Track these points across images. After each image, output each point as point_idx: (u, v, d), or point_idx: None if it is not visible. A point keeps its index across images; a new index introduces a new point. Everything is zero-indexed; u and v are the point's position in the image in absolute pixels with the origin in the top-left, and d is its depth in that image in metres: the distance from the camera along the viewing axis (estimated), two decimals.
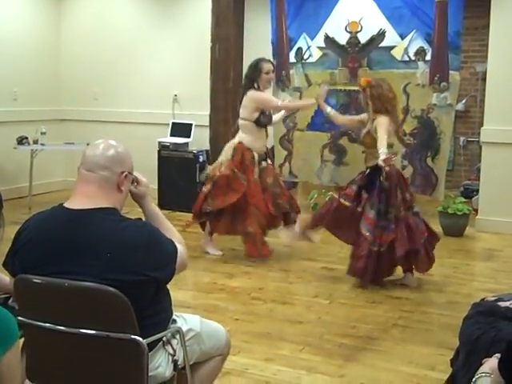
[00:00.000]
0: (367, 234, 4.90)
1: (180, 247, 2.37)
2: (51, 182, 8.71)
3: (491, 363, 1.83)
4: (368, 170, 5.14)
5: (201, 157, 7.84)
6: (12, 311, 2.20)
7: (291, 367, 3.59)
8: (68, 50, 8.98)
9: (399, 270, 5.20)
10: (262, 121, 5.73)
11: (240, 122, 5.77)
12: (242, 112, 5.73)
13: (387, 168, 4.74)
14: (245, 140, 5.71)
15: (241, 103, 5.76)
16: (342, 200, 5.11)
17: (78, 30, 8.91)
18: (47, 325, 2.19)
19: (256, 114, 5.65)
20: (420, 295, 4.91)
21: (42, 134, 7.78)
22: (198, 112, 8.02)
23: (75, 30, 8.93)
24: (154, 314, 2.26)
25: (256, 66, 5.75)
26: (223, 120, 7.97)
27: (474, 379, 1.80)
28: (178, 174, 7.78)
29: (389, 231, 4.87)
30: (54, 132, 8.30)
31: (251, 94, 5.67)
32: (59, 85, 9.01)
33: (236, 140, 5.78)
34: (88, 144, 2.40)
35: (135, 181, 2.42)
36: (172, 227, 2.53)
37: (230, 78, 8.04)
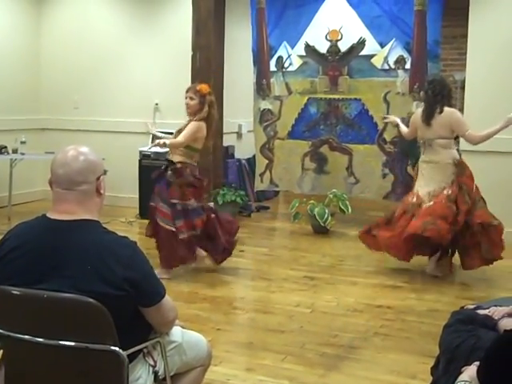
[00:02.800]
0: None
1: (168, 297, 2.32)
2: (31, 192, 8.64)
3: (470, 371, 1.84)
4: None
5: None
6: None
7: (273, 377, 3.58)
8: (48, 57, 8.93)
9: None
10: None
11: (438, 141, 5.47)
12: (439, 130, 5.43)
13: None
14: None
15: (429, 120, 5.45)
16: None
17: (58, 36, 8.86)
18: (26, 336, 2.16)
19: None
20: (401, 303, 4.92)
21: (21, 143, 7.72)
22: (180, 121, 7.97)
23: (55, 37, 8.88)
24: (136, 325, 2.24)
25: None
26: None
27: None
28: None
29: None
30: (34, 141, 8.25)
31: (449, 113, 5.46)
32: (39, 93, 8.96)
33: (447, 159, 5.47)
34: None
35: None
36: None
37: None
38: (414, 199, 5.51)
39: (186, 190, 5.29)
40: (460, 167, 5.48)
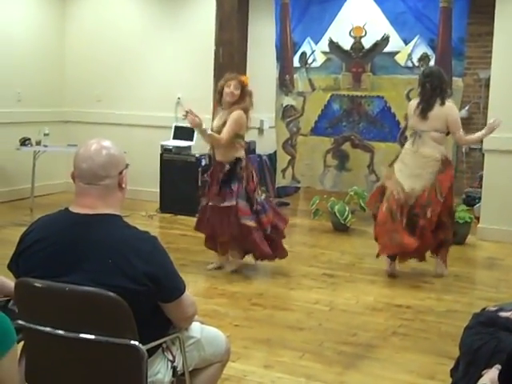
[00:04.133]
0: None
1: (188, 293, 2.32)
2: (53, 184, 8.71)
3: (491, 374, 1.83)
4: None
5: (203, 160, 7.83)
6: (12, 314, 2.20)
7: (290, 374, 3.58)
8: (72, 51, 8.99)
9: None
10: None
11: (431, 134, 5.35)
12: (435, 124, 5.34)
13: None
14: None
15: (426, 113, 5.35)
16: None
17: (82, 32, 8.91)
18: (47, 329, 2.18)
19: None
20: (420, 303, 4.89)
21: (44, 135, 7.77)
22: (201, 115, 7.98)
23: (79, 33, 8.93)
24: (155, 320, 2.25)
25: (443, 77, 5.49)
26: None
27: None
28: (180, 178, 7.77)
29: None
30: (57, 133, 8.30)
31: (449, 108, 5.41)
32: (63, 86, 9.02)
33: (437, 155, 5.36)
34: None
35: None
36: None
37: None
38: (401, 195, 5.38)
39: (251, 184, 5.37)
40: (444, 165, 5.39)
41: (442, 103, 5.34)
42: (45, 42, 8.76)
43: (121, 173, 2.28)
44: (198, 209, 5.65)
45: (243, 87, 5.32)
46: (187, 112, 5.25)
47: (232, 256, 5.59)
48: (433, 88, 5.34)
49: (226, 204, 5.26)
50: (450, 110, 5.39)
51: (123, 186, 2.30)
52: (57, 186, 8.71)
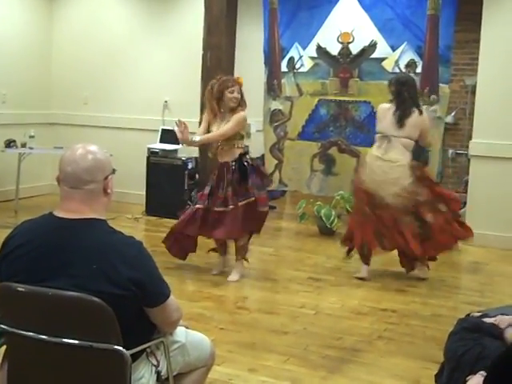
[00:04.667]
0: None
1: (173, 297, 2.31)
2: (38, 186, 8.66)
3: (476, 381, 1.83)
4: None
5: (190, 164, 7.82)
6: None
7: (275, 378, 3.58)
8: (59, 53, 8.95)
9: None
10: None
11: (403, 140, 5.40)
12: (410, 131, 5.40)
13: None
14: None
15: (403, 120, 5.37)
16: None
17: (69, 32, 8.88)
18: (30, 333, 2.16)
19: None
20: (405, 307, 4.91)
21: (30, 137, 7.73)
22: (188, 119, 7.97)
23: (67, 33, 8.89)
24: (139, 324, 2.24)
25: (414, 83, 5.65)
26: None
27: None
28: (167, 181, 7.76)
29: None
30: (42, 136, 8.26)
31: (427, 117, 5.58)
32: (49, 88, 8.98)
33: (404, 161, 5.40)
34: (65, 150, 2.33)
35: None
36: None
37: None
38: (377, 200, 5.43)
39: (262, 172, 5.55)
40: (413, 170, 5.44)
41: (421, 113, 5.44)
42: (31, 42, 8.71)
43: (106, 178, 2.27)
44: (186, 211, 5.56)
45: (241, 88, 5.40)
46: (180, 123, 5.25)
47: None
48: (410, 96, 5.43)
49: (245, 201, 5.28)
50: (426, 120, 5.55)
51: (108, 191, 2.29)
52: (42, 188, 8.67)
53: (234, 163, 5.32)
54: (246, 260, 5.53)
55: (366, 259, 5.57)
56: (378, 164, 5.44)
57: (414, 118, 5.39)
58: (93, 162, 2.24)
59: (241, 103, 5.34)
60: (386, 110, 5.51)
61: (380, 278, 5.65)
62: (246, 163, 5.34)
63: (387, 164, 5.40)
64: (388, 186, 5.37)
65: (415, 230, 5.39)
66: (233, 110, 5.28)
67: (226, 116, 5.31)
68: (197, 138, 5.31)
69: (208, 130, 5.40)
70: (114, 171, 2.32)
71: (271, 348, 4.01)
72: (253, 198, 5.27)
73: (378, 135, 5.57)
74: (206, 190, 5.42)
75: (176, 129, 5.32)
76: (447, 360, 2.58)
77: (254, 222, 5.39)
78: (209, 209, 5.34)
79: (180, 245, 5.52)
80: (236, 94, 5.29)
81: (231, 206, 5.26)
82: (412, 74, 7.13)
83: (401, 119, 5.39)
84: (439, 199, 5.48)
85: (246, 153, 5.47)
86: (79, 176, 2.21)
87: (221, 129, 5.26)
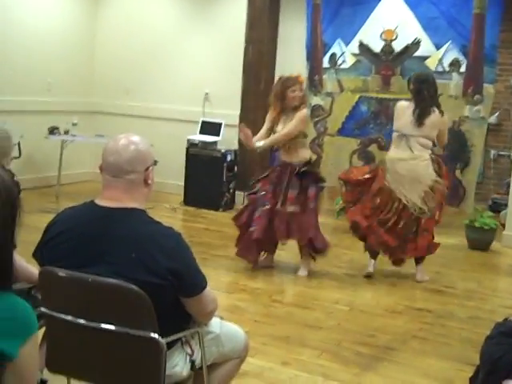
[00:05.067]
0: None
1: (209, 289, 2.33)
2: (79, 173, 8.80)
3: None
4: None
5: (229, 156, 7.86)
6: (34, 301, 2.24)
7: (308, 372, 3.59)
8: (103, 43, 9.06)
9: None
10: None
11: (421, 139, 5.26)
12: (428, 130, 5.26)
13: None
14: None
15: (423, 119, 5.24)
16: None
17: (114, 24, 8.98)
18: (68, 317, 2.21)
19: None
20: (441, 308, 4.87)
21: (73, 124, 7.85)
22: (228, 111, 8.05)
23: (111, 25, 9.00)
24: (176, 313, 2.26)
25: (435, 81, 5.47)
26: (252, 121, 7.94)
27: None
28: (205, 173, 7.80)
29: None
30: (85, 124, 8.37)
31: (445, 120, 5.44)
32: (93, 77, 9.10)
33: (425, 155, 5.29)
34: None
35: None
36: None
37: (261, 79, 8.06)
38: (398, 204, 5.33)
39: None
40: (438, 164, 5.34)
41: (441, 113, 5.29)
42: (76, 32, 8.84)
43: (147, 169, 2.30)
44: (256, 215, 5.36)
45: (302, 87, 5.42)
46: (242, 129, 5.26)
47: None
48: (430, 95, 5.29)
49: (312, 205, 5.31)
50: (446, 121, 5.43)
51: (149, 182, 2.31)
52: (83, 175, 8.80)
53: (298, 167, 5.27)
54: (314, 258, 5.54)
55: (373, 254, 5.53)
56: (401, 165, 5.29)
57: (433, 117, 5.24)
58: (134, 152, 2.27)
59: (302, 101, 5.32)
60: (404, 108, 5.37)
61: (414, 277, 5.59)
62: (314, 172, 5.38)
63: (410, 162, 5.27)
64: (416, 185, 5.25)
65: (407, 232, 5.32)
66: (295, 109, 5.24)
67: (289, 115, 5.27)
68: (260, 143, 5.27)
69: (271, 130, 5.36)
70: (155, 162, 2.35)
71: (305, 342, 4.02)
72: (312, 206, 5.30)
73: (395, 134, 5.43)
74: (269, 189, 5.34)
75: (241, 135, 5.31)
76: (483, 363, 2.55)
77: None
78: (275, 209, 5.29)
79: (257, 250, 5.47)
80: (298, 93, 5.25)
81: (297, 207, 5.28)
82: (455, 73, 7.08)
83: (420, 118, 5.24)
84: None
85: (310, 160, 5.41)
86: (121, 166, 2.24)
87: (284, 129, 5.23)
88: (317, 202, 5.37)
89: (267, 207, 5.29)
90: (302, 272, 5.44)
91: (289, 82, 5.29)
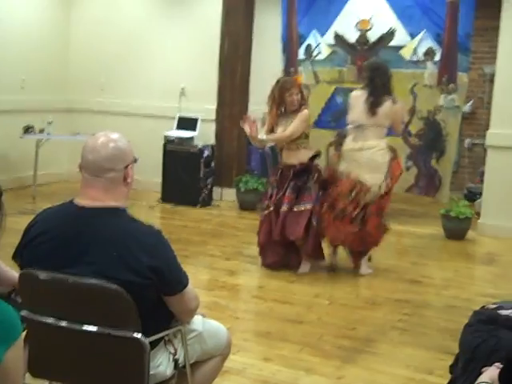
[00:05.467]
0: None
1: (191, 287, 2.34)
2: (56, 173, 8.72)
3: (491, 373, 1.84)
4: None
5: (206, 152, 7.84)
6: (14, 305, 2.22)
7: (290, 367, 3.60)
8: (77, 39, 8.97)
9: None
10: None
11: (378, 129, 5.28)
12: (382, 119, 5.25)
13: None
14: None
15: (375, 108, 5.23)
16: None
17: (87, 20, 8.90)
18: (50, 320, 2.20)
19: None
20: (419, 298, 4.92)
21: (48, 123, 7.78)
22: (205, 106, 8.03)
23: (85, 21, 8.92)
24: (158, 313, 2.27)
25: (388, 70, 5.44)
26: (229, 115, 7.98)
27: None
28: (183, 169, 7.78)
29: None
30: (60, 122, 8.29)
31: (401, 106, 5.45)
32: (67, 75, 9.01)
33: (382, 144, 5.29)
34: (93, 134, 2.35)
35: None
36: None
37: (237, 73, 8.06)
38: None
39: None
40: (393, 151, 5.32)
41: (394, 101, 5.28)
42: (50, 30, 8.75)
43: (126, 167, 2.28)
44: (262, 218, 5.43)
45: (300, 88, 5.38)
46: (246, 118, 5.24)
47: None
48: (382, 83, 5.27)
49: (303, 207, 5.23)
50: (399, 110, 5.38)
51: (128, 180, 2.30)
52: (59, 174, 8.72)
53: (299, 166, 5.26)
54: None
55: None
56: (360, 154, 5.27)
57: (386, 106, 5.22)
58: (114, 150, 2.26)
59: (302, 102, 5.28)
60: (358, 97, 5.35)
61: (395, 268, 5.65)
62: (314, 172, 5.31)
63: (369, 152, 5.24)
64: (375, 174, 5.22)
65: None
66: (296, 110, 5.23)
67: (290, 116, 5.26)
68: (264, 137, 5.25)
69: (272, 132, 5.34)
70: (135, 160, 2.34)
71: (286, 337, 4.04)
72: (309, 207, 5.22)
73: (350, 126, 5.41)
74: (273, 193, 5.34)
75: (245, 126, 5.23)
76: (462, 351, 2.59)
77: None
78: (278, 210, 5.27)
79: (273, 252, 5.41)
80: (295, 97, 5.23)
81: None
82: (430, 62, 7.12)
83: (373, 107, 5.22)
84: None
85: (317, 155, 5.39)
86: (100, 164, 2.23)
87: (287, 130, 5.20)
88: (315, 203, 5.24)
89: (268, 210, 5.31)
90: (303, 269, 5.39)
91: (286, 85, 5.29)
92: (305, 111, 5.23)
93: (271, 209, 5.29)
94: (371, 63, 5.62)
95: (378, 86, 5.25)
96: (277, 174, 5.38)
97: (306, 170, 5.28)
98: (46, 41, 8.68)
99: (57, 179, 8.63)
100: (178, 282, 2.26)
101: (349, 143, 5.38)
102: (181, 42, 8.34)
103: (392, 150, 5.34)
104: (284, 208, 5.23)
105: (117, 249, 2.14)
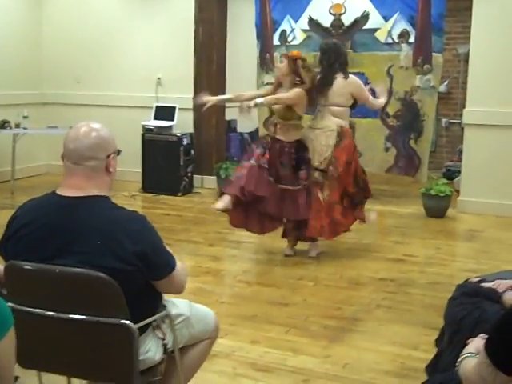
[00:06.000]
0: None
1: (180, 264, 2.34)
2: (34, 166, 8.65)
3: (476, 343, 1.87)
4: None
5: (185, 140, 7.83)
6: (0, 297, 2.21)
7: (277, 349, 3.63)
8: (50, 32, 8.88)
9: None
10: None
11: (331, 108, 5.27)
12: (335, 98, 5.26)
13: None
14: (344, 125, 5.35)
15: (326, 89, 5.26)
16: None
17: (60, 11, 8.81)
18: (37, 310, 2.20)
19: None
20: (403, 276, 4.97)
21: (24, 117, 7.73)
22: (182, 95, 8.00)
23: (57, 12, 8.82)
24: (145, 298, 2.28)
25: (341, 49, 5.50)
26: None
27: (459, 359, 1.84)
28: (162, 158, 7.77)
29: None
30: (36, 116, 8.24)
31: (352, 80, 5.36)
32: (41, 68, 8.92)
33: (332, 126, 5.24)
34: (70, 127, 2.35)
35: None
36: None
37: (213, 60, 8.05)
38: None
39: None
40: (340, 136, 5.27)
41: (345, 77, 5.28)
42: (22, 23, 8.65)
43: (108, 156, 2.29)
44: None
45: (293, 61, 5.19)
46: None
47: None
48: (329, 64, 5.29)
49: (294, 187, 5.17)
50: (353, 83, 5.34)
51: (111, 170, 2.30)
52: (37, 168, 8.67)
53: (290, 148, 5.19)
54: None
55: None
56: (309, 132, 5.30)
57: (336, 84, 5.24)
58: (96, 139, 2.26)
59: (295, 80, 5.16)
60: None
61: (377, 247, 5.70)
62: (304, 152, 5.22)
63: (316, 131, 5.27)
64: (316, 155, 5.22)
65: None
66: (294, 85, 5.16)
67: (287, 90, 5.21)
68: (259, 101, 5.12)
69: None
70: (118, 152, 2.34)
71: (272, 320, 4.07)
72: (300, 187, 5.17)
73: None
74: (258, 151, 5.20)
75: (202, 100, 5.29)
76: (447, 324, 2.63)
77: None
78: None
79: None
80: (279, 64, 5.30)
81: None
82: (405, 44, 7.15)
83: (322, 88, 5.27)
84: (349, 178, 5.30)
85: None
86: (81, 152, 2.24)
87: (279, 94, 5.19)
88: (308, 183, 5.18)
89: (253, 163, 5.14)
90: (312, 253, 5.40)
91: (282, 55, 5.43)
92: (295, 89, 5.13)
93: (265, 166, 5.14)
94: (320, 46, 5.60)
95: (325, 67, 5.31)
96: (269, 148, 5.23)
97: (300, 148, 5.23)
98: (19, 35, 8.58)
99: (35, 173, 8.57)
100: (166, 264, 2.27)
101: (308, 123, 5.42)
102: (155, 32, 8.29)
103: (340, 134, 5.26)
104: (283, 185, 5.15)
105: (101, 237, 2.15)
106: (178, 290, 2.39)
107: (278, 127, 5.24)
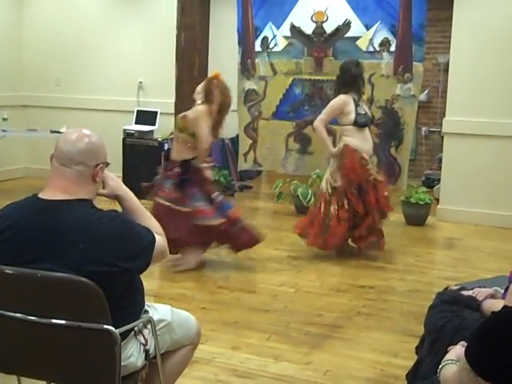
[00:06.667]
0: None
1: (158, 237, 2.35)
2: (12, 169, 8.57)
3: (457, 351, 1.89)
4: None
5: (166, 145, 7.81)
6: None
7: (258, 355, 3.64)
8: (31, 35, 8.82)
9: None
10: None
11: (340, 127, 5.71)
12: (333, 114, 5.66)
13: None
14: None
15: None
16: None
17: (41, 13, 8.76)
18: (18, 315, 2.18)
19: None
20: (383, 284, 5.00)
21: (3, 120, 7.67)
22: (164, 100, 7.99)
23: (38, 13, 8.77)
24: (127, 304, 2.27)
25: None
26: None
27: (440, 366, 1.85)
28: (143, 162, 7.73)
29: None
30: (15, 118, 8.17)
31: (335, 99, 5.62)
32: (21, 70, 8.86)
33: (340, 144, 5.60)
34: (51, 130, 2.36)
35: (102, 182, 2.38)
36: (151, 218, 2.48)
37: (195, 66, 8.05)
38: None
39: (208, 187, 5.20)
40: (341, 155, 5.52)
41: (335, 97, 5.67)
42: (2, 23, 8.58)
43: (97, 165, 2.29)
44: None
45: (207, 83, 5.33)
46: None
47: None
48: (336, 84, 5.72)
49: (183, 209, 5.00)
50: (333, 102, 5.63)
51: (97, 179, 2.31)
52: (16, 171, 8.58)
53: (178, 168, 5.11)
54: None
55: None
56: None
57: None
58: (88, 145, 2.28)
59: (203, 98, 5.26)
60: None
61: (358, 255, 5.72)
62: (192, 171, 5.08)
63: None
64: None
65: None
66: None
67: None
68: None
69: None
70: (107, 164, 2.34)
71: (253, 326, 4.07)
72: (188, 209, 4.99)
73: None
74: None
75: None
76: (427, 332, 2.65)
77: (209, 238, 5.15)
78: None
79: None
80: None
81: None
82: (386, 53, 7.20)
83: None
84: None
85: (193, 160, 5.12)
86: (71, 156, 2.25)
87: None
88: (195, 203, 5.01)
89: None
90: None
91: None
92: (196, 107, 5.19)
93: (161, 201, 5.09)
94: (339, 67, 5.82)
95: (335, 89, 5.71)
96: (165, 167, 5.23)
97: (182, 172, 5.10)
98: None
99: (14, 176, 8.48)
100: (148, 245, 2.27)
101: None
102: (137, 36, 8.28)
103: (342, 153, 5.51)
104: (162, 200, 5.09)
105: (83, 240, 2.14)
106: (163, 256, 2.42)
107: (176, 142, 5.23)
